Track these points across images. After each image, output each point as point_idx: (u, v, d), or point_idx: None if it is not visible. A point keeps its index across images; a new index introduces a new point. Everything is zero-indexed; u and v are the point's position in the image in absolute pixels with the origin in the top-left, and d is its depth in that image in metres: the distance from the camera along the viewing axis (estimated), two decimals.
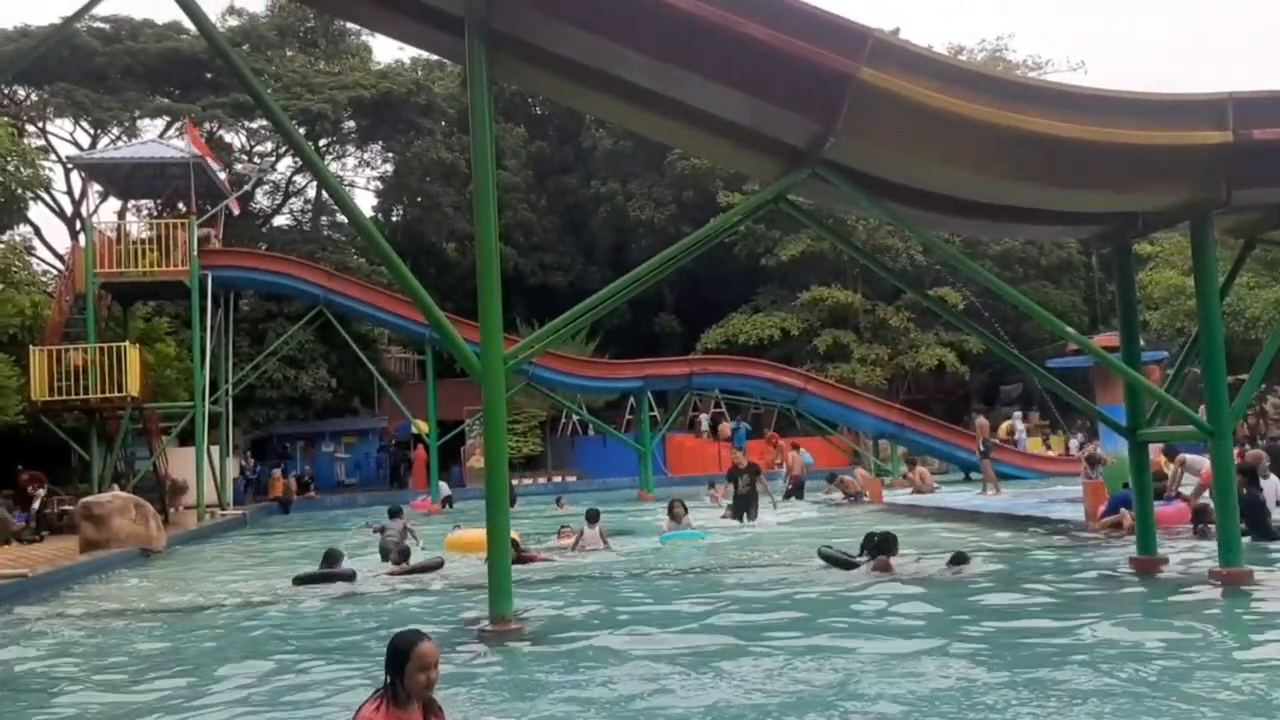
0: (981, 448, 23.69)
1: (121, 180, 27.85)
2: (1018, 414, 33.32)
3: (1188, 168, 9.06)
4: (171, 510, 24.16)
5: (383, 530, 15.56)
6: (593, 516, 15.09)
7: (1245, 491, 11.58)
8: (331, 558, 12.86)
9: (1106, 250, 11.14)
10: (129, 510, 17.17)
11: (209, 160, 24.89)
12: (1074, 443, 30.82)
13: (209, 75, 37.80)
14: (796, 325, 36.84)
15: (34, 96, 36.92)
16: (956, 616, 8.65)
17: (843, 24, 8.53)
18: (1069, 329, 10.81)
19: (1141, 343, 11.92)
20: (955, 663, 6.86)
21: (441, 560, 13.45)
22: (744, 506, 18.19)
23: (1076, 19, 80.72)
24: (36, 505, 21.20)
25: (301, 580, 12.41)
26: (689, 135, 10.32)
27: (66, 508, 20.97)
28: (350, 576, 12.39)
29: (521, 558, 12.53)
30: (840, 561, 11.59)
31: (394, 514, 15.92)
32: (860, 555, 11.46)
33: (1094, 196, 9.50)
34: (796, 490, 23.95)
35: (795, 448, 25.93)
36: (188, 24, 9.07)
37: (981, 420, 26.28)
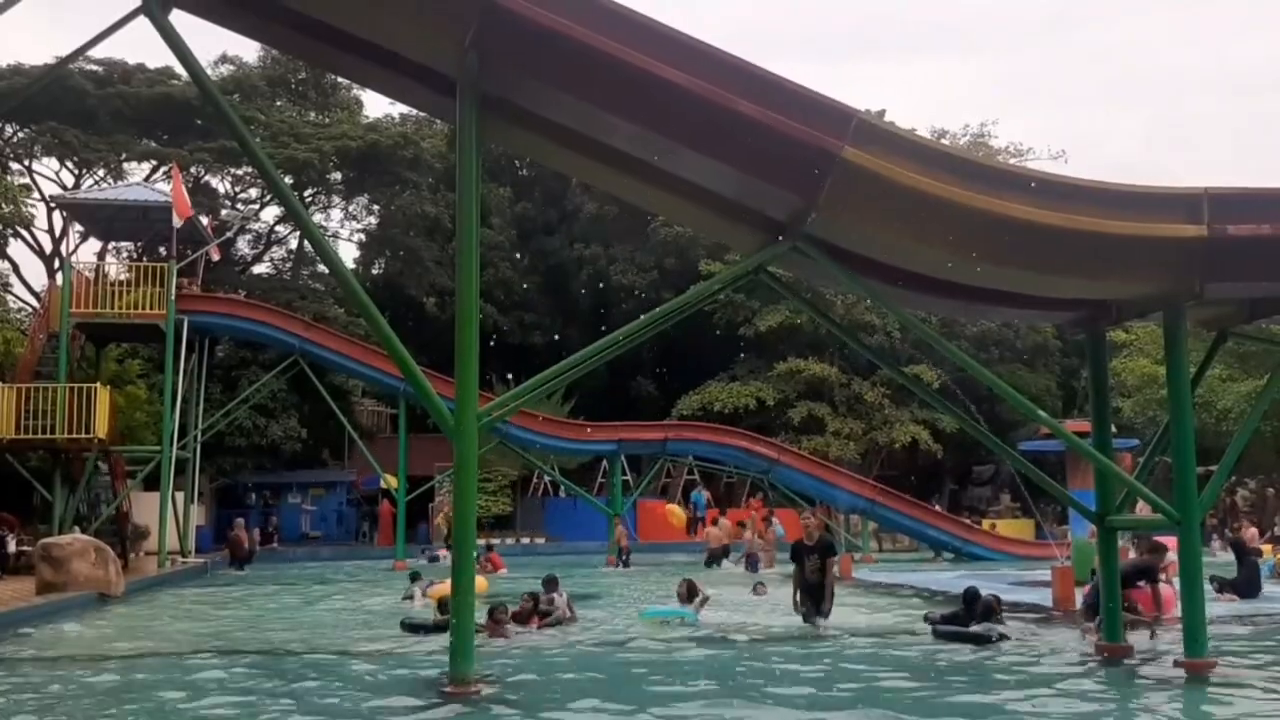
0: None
1: (104, 222, 27.80)
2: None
3: (1162, 259, 9.20)
4: (132, 555, 23.81)
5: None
6: (551, 582, 13.91)
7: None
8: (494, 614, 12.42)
9: (1080, 336, 11.27)
10: (89, 554, 16.90)
11: (178, 212, 24.61)
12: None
13: (198, 121, 37.91)
14: (772, 396, 36.91)
15: (21, 134, 36.92)
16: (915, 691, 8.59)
17: (828, 104, 8.68)
18: (1041, 412, 10.88)
19: (1114, 430, 12.01)
20: None
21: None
22: (813, 597, 13.40)
23: (1058, 110, 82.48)
24: (12, 548, 20.82)
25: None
26: (673, 204, 10.42)
27: (25, 548, 20.62)
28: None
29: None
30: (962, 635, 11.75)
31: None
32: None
33: (1069, 283, 9.63)
34: (752, 564, 23.79)
35: (766, 518, 25.91)
36: (179, 69, 9.16)
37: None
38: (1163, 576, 13.06)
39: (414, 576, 17.06)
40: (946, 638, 11.78)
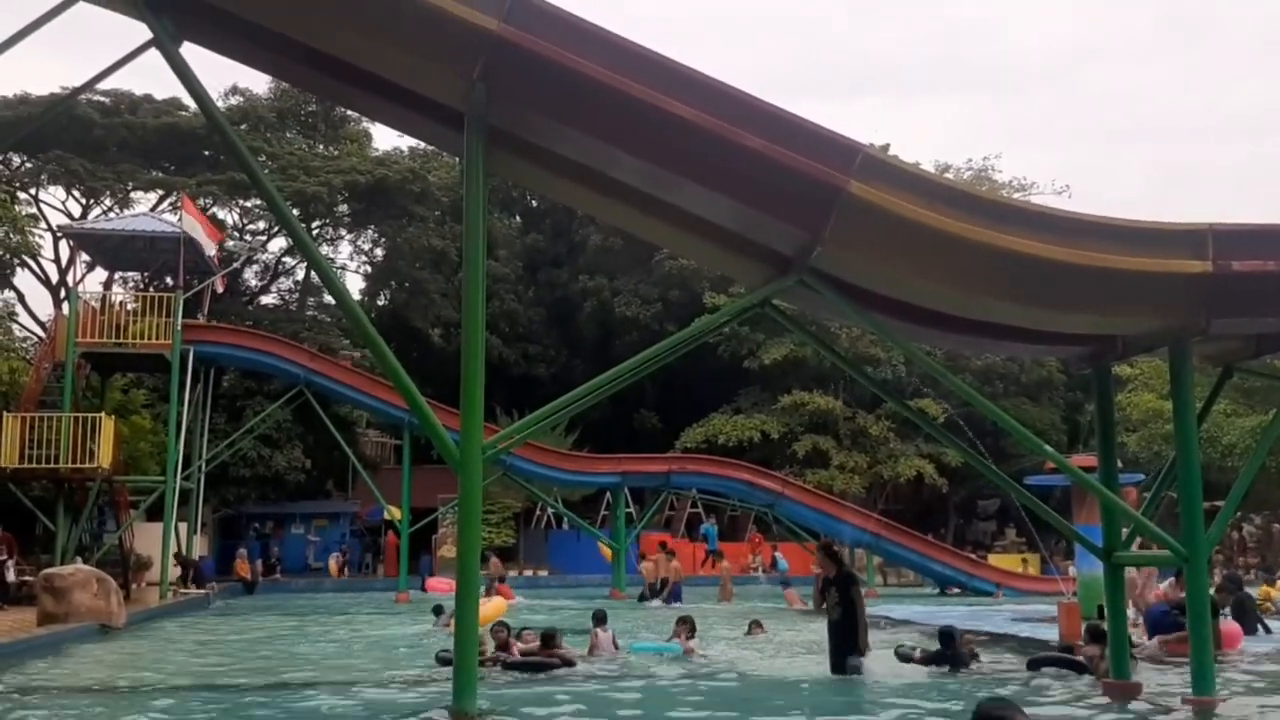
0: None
1: (110, 251, 27.92)
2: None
3: (1167, 295, 9.17)
4: (134, 586, 23.74)
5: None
6: (600, 618, 13.47)
7: None
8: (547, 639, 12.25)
9: (1086, 371, 11.24)
10: (91, 584, 16.83)
11: (203, 232, 24.83)
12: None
13: (206, 152, 38.18)
14: (776, 429, 36.85)
15: (28, 164, 37.15)
16: None
17: (834, 138, 8.70)
18: (1047, 447, 10.83)
19: (1119, 464, 11.95)
20: None
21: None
22: (836, 637, 11.57)
23: (1061, 146, 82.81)
24: (12, 576, 20.71)
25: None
26: (678, 237, 10.43)
27: (27, 578, 20.56)
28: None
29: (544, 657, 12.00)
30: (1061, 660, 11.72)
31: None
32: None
33: (1074, 318, 9.61)
34: (675, 595, 23.84)
35: (671, 552, 26.11)
36: (187, 100, 9.23)
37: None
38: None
39: (437, 610, 16.77)
40: (1043, 665, 11.69)
